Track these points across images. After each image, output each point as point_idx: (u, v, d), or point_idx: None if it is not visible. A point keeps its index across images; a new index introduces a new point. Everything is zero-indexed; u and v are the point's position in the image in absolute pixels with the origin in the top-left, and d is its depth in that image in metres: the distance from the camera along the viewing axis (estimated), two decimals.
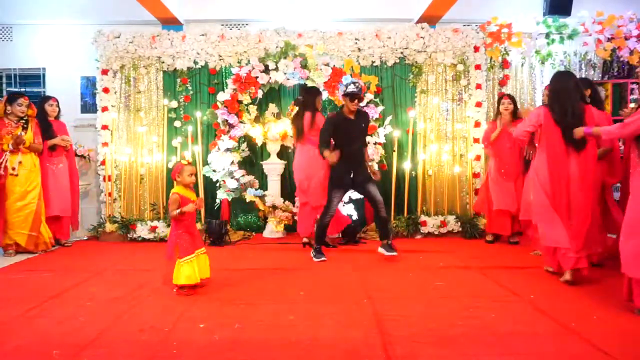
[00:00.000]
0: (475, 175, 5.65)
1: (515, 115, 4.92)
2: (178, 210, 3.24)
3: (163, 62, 5.80)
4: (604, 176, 3.89)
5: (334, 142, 4.34)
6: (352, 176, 4.31)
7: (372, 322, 2.71)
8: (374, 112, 5.54)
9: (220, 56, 5.78)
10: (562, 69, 5.89)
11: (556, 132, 3.41)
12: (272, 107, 5.81)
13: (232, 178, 5.52)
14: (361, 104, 5.49)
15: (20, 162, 4.60)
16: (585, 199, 3.39)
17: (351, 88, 4.22)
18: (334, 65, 5.56)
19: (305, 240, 4.88)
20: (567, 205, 3.40)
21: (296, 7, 6.01)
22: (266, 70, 5.58)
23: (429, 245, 4.99)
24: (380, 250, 4.28)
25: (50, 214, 4.90)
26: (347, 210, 5.34)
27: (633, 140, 2.97)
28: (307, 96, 4.83)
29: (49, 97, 5.20)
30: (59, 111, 5.24)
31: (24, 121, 4.67)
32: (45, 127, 4.92)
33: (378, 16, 5.95)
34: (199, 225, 5.38)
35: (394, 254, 4.22)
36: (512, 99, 4.99)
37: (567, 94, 3.42)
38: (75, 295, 3.31)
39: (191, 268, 3.23)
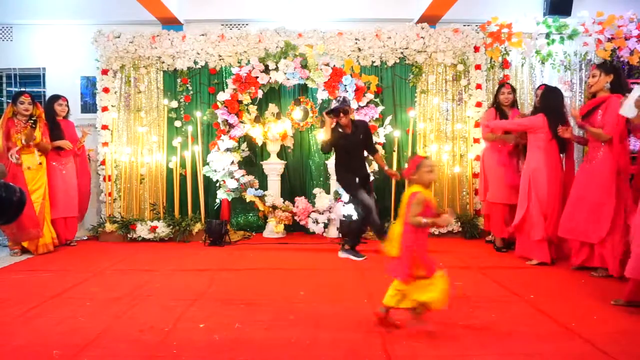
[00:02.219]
0: (475, 175, 5.64)
1: (514, 105, 4.86)
2: (429, 220, 2.45)
3: (163, 62, 5.80)
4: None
5: (335, 152, 4.53)
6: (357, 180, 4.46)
7: (372, 322, 2.70)
8: (374, 112, 5.54)
9: (220, 56, 5.78)
10: (562, 69, 5.90)
11: (552, 137, 4.13)
12: (272, 107, 5.82)
13: (232, 178, 5.52)
14: (361, 104, 5.53)
15: (40, 163, 4.66)
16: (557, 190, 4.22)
17: (333, 105, 4.31)
18: (334, 65, 5.55)
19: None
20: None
21: (296, 7, 6.01)
22: (266, 70, 5.58)
23: (429, 245, 4.94)
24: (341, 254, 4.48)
25: (55, 215, 4.88)
26: (347, 210, 5.34)
27: None
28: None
29: (59, 97, 5.15)
30: (68, 110, 5.24)
31: (32, 121, 4.67)
32: (52, 127, 4.91)
33: (378, 16, 5.95)
34: (199, 226, 5.39)
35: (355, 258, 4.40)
36: (513, 88, 4.86)
37: (563, 107, 4.25)
38: (75, 295, 3.31)
39: (396, 292, 2.54)
